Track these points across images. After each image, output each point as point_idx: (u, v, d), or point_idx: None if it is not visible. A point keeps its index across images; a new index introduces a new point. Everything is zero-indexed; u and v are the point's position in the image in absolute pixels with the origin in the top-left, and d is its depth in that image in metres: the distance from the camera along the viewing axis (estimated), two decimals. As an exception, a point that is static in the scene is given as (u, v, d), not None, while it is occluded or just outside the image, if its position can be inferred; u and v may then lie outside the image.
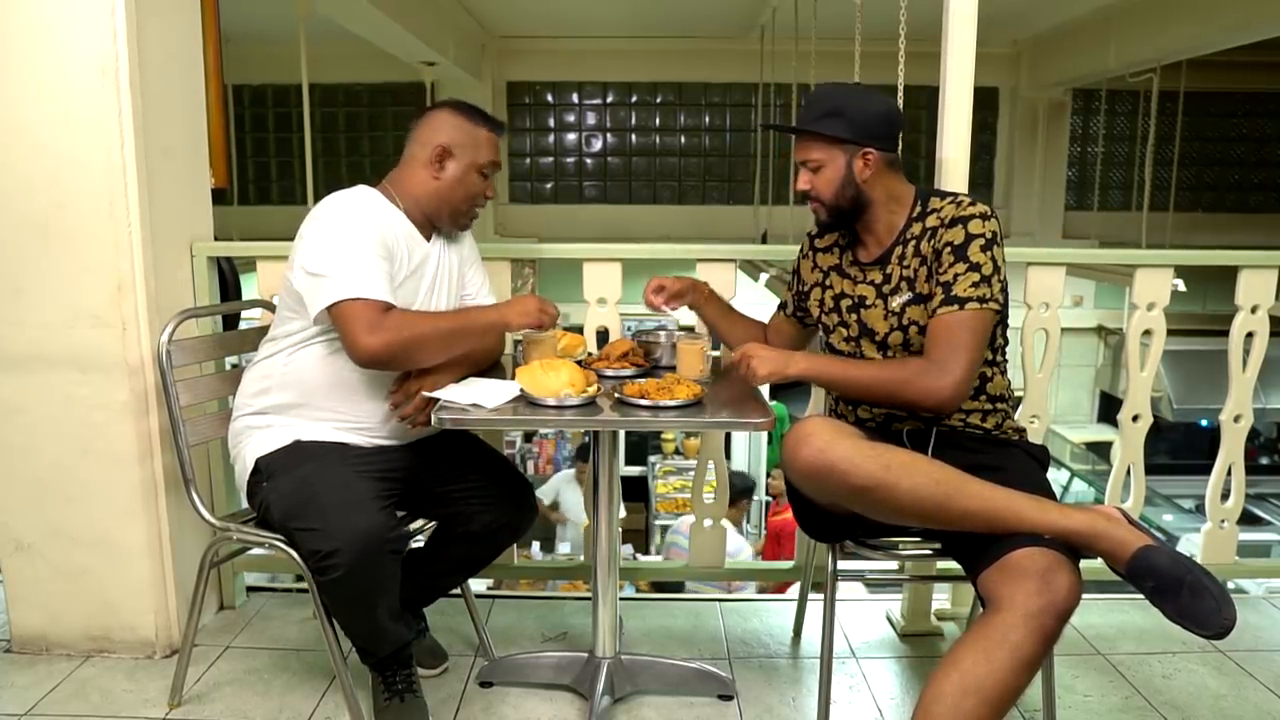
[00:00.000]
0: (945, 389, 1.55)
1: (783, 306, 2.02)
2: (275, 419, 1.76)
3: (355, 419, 1.77)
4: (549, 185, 7.59)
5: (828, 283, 1.84)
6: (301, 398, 1.74)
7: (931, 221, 1.67)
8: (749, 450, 7.84)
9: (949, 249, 1.62)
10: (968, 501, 1.42)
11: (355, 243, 1.64)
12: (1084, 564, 1.40)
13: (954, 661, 1.33)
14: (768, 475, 6.51)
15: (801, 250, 1.95)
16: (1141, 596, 1.37)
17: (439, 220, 1.81)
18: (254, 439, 1.75)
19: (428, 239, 1.81)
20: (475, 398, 1.60)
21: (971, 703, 1.29)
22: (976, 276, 1.58)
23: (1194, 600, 1.29)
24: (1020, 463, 1.67)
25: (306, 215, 1.71)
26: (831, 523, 1.64)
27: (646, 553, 6.66)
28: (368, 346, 1.59)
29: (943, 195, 1.70)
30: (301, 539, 1.60)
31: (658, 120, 7.54)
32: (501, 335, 1.89)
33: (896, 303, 1.69)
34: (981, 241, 1.60)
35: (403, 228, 1.75)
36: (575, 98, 7.51)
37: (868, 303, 1.74)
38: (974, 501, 1.42)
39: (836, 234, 1.85)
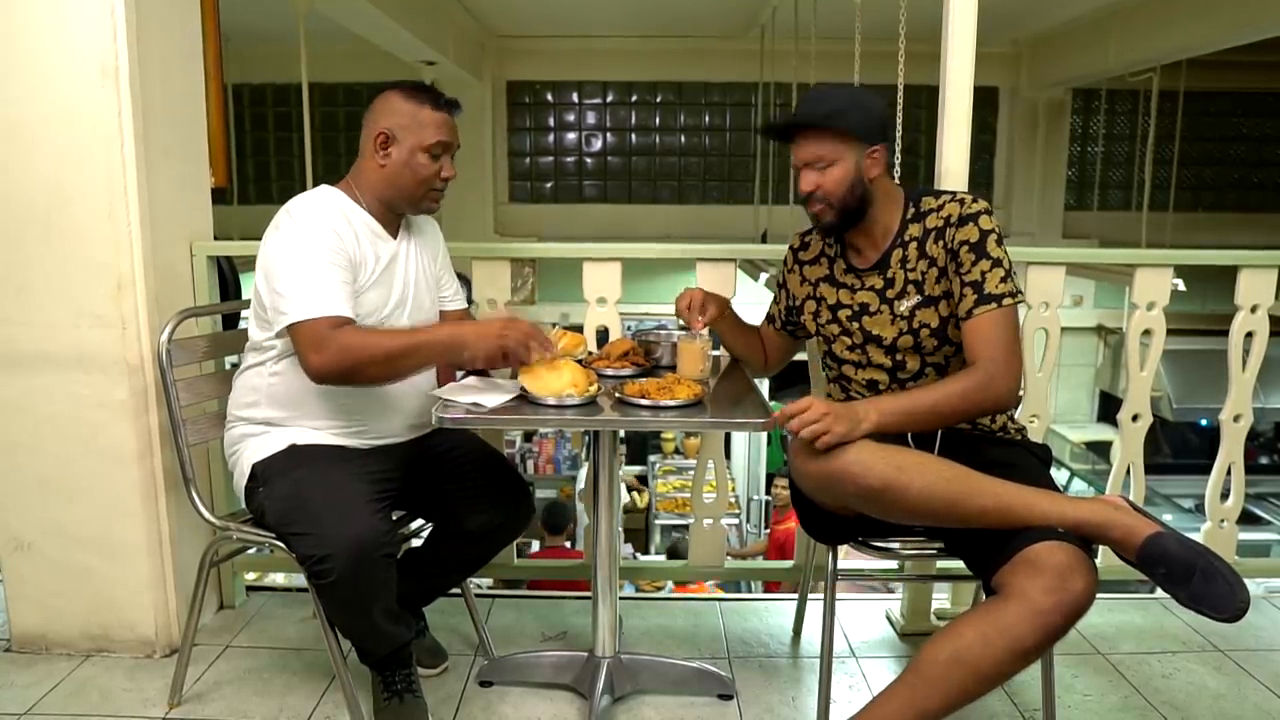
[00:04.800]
0: (1014, 389, 1.57)
1: (770, 320, 2.01)
2: (270, 427, 1.75)
3: (349, 423, 1.76)
4: (549, 185, 7.58)
5: (819, 294, 1.83)
6: (291, 410, 1.74)
7: (933, 221, 1.67)
8: (749, 451, 7.85)
9: (966, 247, 1.62)
10: (981, 498, 1.42)
11: (310, 257, 1.62)
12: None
13: (954, 634, 1.36)
14: (770, 483, 6.51)
15: (785, 264, 1.93)
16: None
17: (398, 207, 1.77)
18: (250, 445, 1.75)
19: (394, 235, 1.79)
20: (475, 397, 1.60)
21: (960, 673, 1.33)
22: (1002, 272, 1.60)
23: (1207, 585, 1.29)
24: (1027, 461, 1.67)
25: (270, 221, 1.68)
26: (836, 524, 1.64)
27: (647, 553, 6.67)
28: (312, 365, 1.58)
29: (936, 194, 1.70)
30: (295, 544, 1.60)
31: (658, 120, 7.53)
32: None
33: (905, 306, 1.69)
34: (995, 237, 1.62)
35: (366, 228, 1.73)
36: (575, 97, 7.50)
37: (871, 309, 1.73)
38: (987, 498, 1.42)
39: (822, 244, 1.85)
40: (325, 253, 1.63)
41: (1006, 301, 1.59)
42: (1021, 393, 1.77)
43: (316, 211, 1.68)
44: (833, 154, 1.66)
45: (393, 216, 1.79)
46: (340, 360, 1.57)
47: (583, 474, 6.87)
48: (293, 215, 1.66)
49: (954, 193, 1.69)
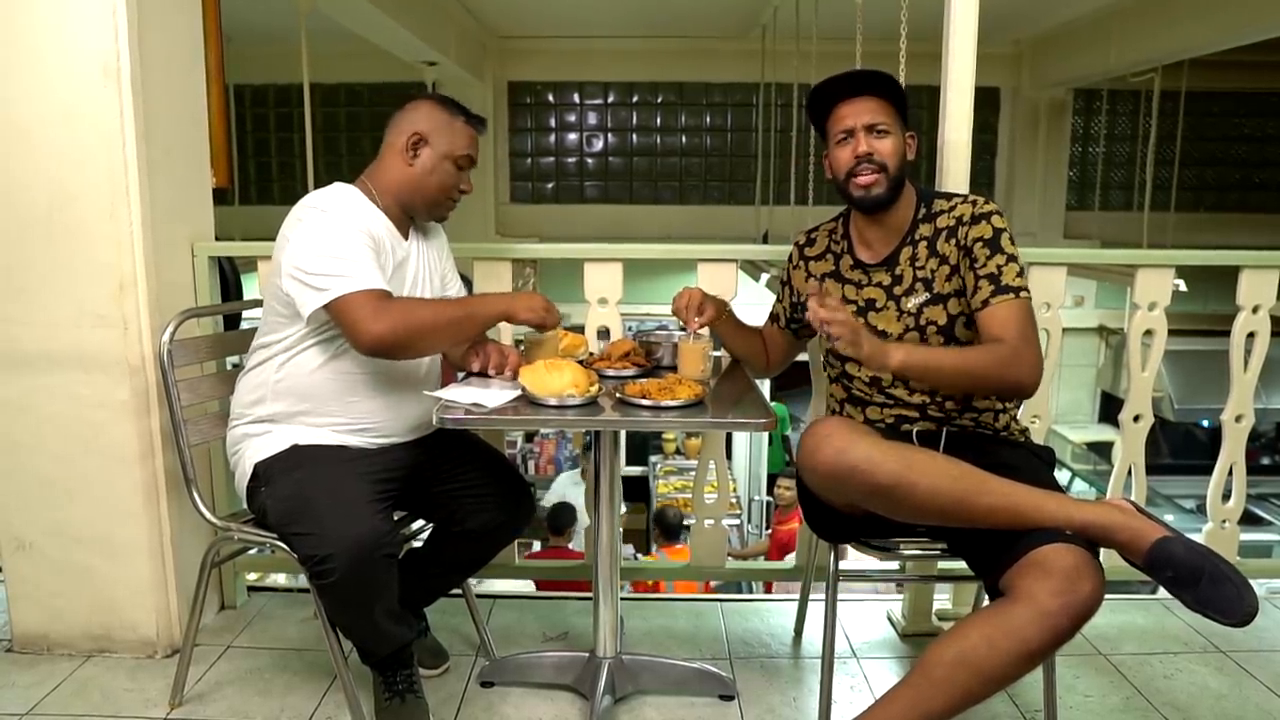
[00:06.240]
0: (1035, 375, 1.57)
1: (774, 319, 2.01)
2: (273, 425, 1.75)
3: (353, 420, 1.76)
4: (550, 185, 7.59)
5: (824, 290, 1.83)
6: (297, 406, 1.74)
7: (944, 222, 1.69)
8: (749, 451, 7.85)
9: (980, 244, 1.64)
10: (989, 497, 1.41)
11: (344, 238, 1.63)
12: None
13: (959, 636, 1.35)
14: (772, 484, 6.51)
15: (791, 261, 1.94)
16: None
17: (414, 210, 1.80)
18: (252, 445, 1.75)
19: (406, 237, 1.81)
20: (476, 397, 1.60)
21: (965, 675, 1.32)
22: (1017, 267, 1.62)
23: (1214, 589, 1.28)
24: (1030, 463, 1.67)
25: (288, 215, 1.70)
26: (842, 522, 1.64)
27: (647, 553, 6.67)
28: (372, 332, 1.58)
29: (948, 197, 1.72)
30: (297, 544, 1.60)
31: (659, 120, 7.54)
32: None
33: (912, 303, 1.69)
34: (1007, 235, 1.64)
35: (384, 227, 1.74)
36: (576, 97, 7.50)
37: (877, 305, 1.74)
38: (995, 497, 1.41)
39: (829, 241, 1.85)
40: (359, 235, 1.66)
41: (1023, 294, 1.60)
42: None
43: (343, 203, 1.70)
44: (889, 123, 1.69)
45: (406, 219, 1.81)
46: (404, 325, 1.60)
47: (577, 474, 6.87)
48: (318, 206, 1.67)
49: (964, 195, 1.71)
